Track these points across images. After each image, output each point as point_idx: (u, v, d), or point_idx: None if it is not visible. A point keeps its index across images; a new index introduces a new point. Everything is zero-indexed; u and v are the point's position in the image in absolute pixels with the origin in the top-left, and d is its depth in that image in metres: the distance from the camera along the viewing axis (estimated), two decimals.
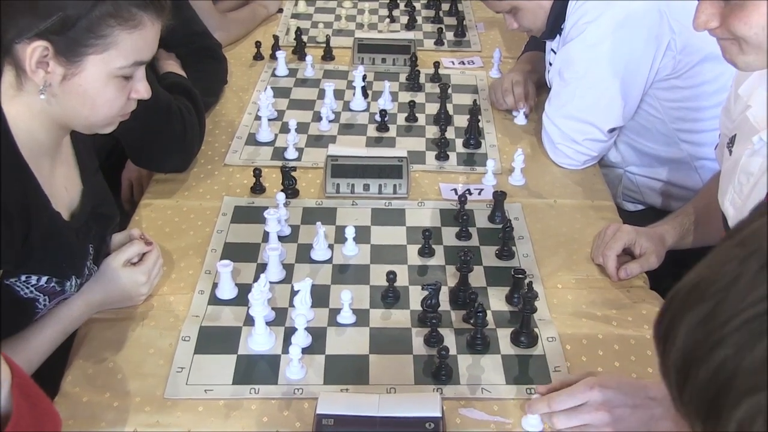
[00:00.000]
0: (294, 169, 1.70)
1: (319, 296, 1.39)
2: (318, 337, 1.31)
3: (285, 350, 1.27)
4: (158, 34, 1.19)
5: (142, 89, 1.21)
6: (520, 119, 1.99)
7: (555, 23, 1.83)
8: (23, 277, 1.17)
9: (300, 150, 1.84)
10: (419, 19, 2.60)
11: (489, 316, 1.36)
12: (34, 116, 1.15)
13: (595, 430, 1.09)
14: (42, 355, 1.21)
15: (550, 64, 1.92)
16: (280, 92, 2.08)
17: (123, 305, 1.35)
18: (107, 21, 1.10)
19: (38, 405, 0.86)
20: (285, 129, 1.87)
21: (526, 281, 1.37)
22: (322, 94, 2.06)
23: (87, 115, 1.16)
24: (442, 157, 1.83)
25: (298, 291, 1.30)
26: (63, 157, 1.28)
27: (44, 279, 1.19)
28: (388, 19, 2.58)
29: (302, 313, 1.29)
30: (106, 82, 1.14)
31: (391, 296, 1.40)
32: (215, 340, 1.31)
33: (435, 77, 2.18)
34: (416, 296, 1.40)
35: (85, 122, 1.19)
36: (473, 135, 1.88)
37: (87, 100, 1.14)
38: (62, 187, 1.26)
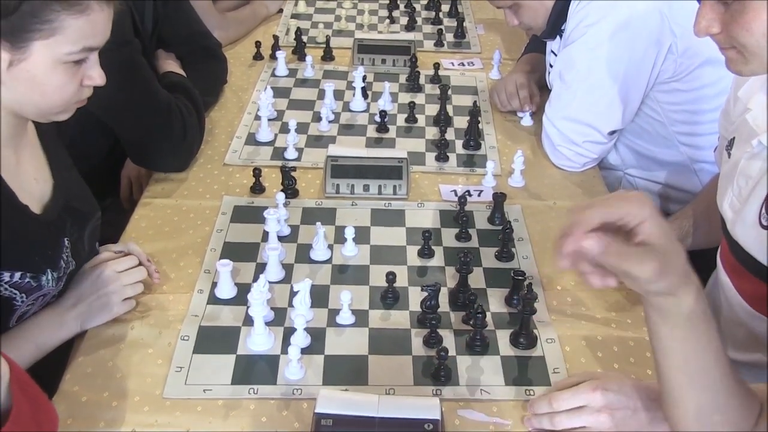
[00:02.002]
0: (294, 169, 1.70)
1: (319, 296, 1.39)
2: (317, 337, 1.31)
3: (284, 350, 1.27)
4: (109, 20, 1.16)
5: (95, 76, 1.18)
6: (526, 120, 1.99)
7: (556, 23, 1.83)
8: None
9: (300, 150, 1.84)
10: (419, 20, 2.60)
11: (488, 318, 1.36)
12: None
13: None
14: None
15: (551, 65, 1.93)
16: (279, 92, 2.08)
17: (99, 310, 1.29)
18: (51, 5, 1.08)
19: (37, 402, 0.85)
20: (285, 129, 1.87)
21: (526, 283, 1.38)
22: (321, 95, 2.06)
23: (37, 101, 1.14)
24: (441, 158, 1.83)
25: (297, 291, 1.30)
26: (30, 150, 1.27)
27: (18, 275, 1.18)
28: (388, 20, 2.58)
29: (301, 314, 1.29)
30: (53, 68, 1.11)
31: (390, 297, 1.40)
32: (214, 339, 1.31)
33: (435, 78, 2.19)
34: (416, 297, 1.40)
35: (36, 109, 1.17)
36: (473, 136, 1.88)
37: (36, 87, 1.12)
38: (32, 178, 1.25)
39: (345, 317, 1.35)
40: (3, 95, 1.12)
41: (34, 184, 1.25)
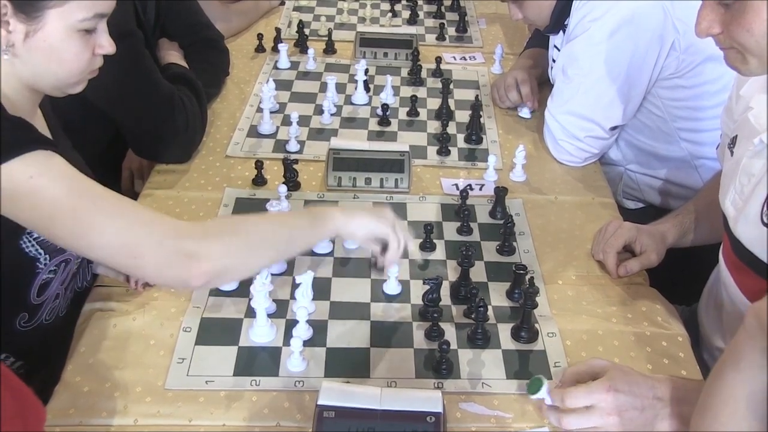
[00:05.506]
0: (296, 161, 1.70)
1: (320, 289, 1.39)
2: (319, 329, 1.32)
3: (286, 342, 1.27)
4: None
5: (105, 43, 1.20)
6: (524, 112, 2.00)
7: (559, 18, 1.83)
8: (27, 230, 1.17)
9: (302, 143, 1.84)
10: (421, 14, 2.60)
11: (490, 311, 1.36)
12: (7, 80, 1.14)
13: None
14: (298, 240, 1.28)
15: (554, 60, 1.93)
16: (282, 85, 2.07)
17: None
18: None
19: (22, 399, 0.84)
20: (287, 121, 1.86)
21: (527, 277, 1.38)
22: (324, 88, 2.06)
23: (55, 70, 1.16)
24: (443, 152, 1.83)
25: (299, 283, 1.30)
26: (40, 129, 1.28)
27: None
28: (390, 14, 2.58)
29: (303, 306, 1.29)
30: (69, 35, 1.13)
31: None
32: (216, 331, 1.31)
33: (437, 72, 2.19)
34: (417, 290, 1.41)
35: (54, 80, 1.18)
36: (474, 130, 1.88)
37: (53, 56, 1.14)
38: None
39: (392, 287, 1.41)
40: (21, 70, 1.14)
41: None
